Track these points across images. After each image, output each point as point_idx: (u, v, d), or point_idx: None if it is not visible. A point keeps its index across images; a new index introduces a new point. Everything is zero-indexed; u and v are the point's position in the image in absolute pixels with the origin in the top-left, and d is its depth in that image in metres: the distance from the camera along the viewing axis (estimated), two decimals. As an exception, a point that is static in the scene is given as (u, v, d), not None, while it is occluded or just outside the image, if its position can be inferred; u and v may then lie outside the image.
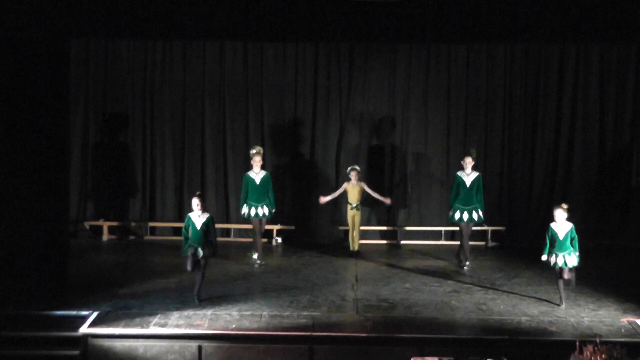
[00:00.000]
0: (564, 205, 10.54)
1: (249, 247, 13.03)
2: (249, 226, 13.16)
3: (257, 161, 12.57)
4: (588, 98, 14.55)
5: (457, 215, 12.33)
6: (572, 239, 10.40)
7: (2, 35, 10.00)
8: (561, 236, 10.35)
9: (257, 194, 12.47)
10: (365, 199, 13.57)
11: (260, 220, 12.56)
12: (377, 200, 13.60)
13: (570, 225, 10.44)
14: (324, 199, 13.49)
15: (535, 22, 10.57)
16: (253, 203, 12.48)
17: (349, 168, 13.44)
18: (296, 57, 14.53)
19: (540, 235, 14.49)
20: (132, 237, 14.49)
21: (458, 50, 14.48)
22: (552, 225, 10.48)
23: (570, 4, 10.40)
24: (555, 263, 10.35)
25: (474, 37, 11.58)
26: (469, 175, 12.40)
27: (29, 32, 10.06)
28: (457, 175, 12.50)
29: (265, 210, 12.51)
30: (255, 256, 12.60)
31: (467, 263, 12.37)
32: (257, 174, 12.57)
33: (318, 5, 10.43)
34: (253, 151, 12.70)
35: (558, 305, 10.40)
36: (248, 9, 10.39)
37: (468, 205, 12.29)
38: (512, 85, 14.62)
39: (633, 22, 10.43)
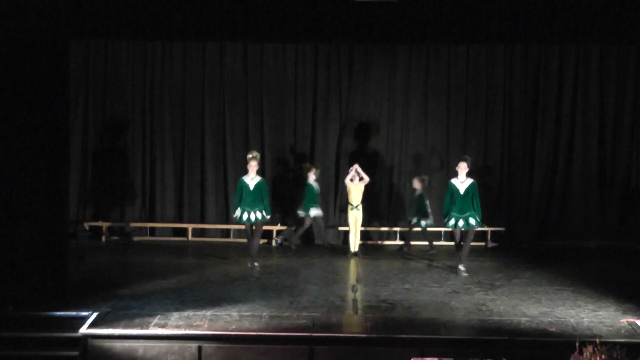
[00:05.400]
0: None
1: (248, 249, 13.01)
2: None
3: (252, 166, 12.45)
4: (588, 98, 14.56)
5: (451, 222, 12.07)
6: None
7: (1, 35, 9.98)
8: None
9: (251, 199, 12.35)
10: (365, 199, 13.57)
11: (251, 225, 12.49)
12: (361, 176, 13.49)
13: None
14: (357, 167, 13.45)
15: (535, 22, 10.56)
16: (246, 208, 12.37)
17: (350, 168, 13.42)
18: (296, 57, 14.55)
19: (540, 236, 14.62)
20: (121, 238, 14.49)
21: (458, 50, 14.49)
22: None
23: (570, 4, 10.40)
24: None
25: (474, 37, 11.56)
26: (462, 182, 12.08)
27: (29, 32, 10.04)
28: (451, 182, 12.17)
29: (259, 215, 12.40)
30: (249, 264, 12.53)
31: (462, 268, 12.22)
32: (252, 179, 12.46)
33: (318, 5, 10.42)
34: (249, 156, 12.62)
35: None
36: (248, 9, 10.38)
37: (463, 213, 11.98)
38: (512, 85, 14.63)
39: (633, 22, 10.42)
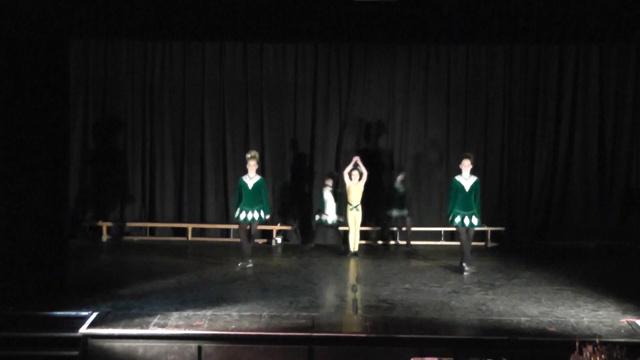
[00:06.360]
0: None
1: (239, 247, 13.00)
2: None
3: (252, 165, 12.46)
4: (588, 98, 14.57)
5: (457, 219, 12.07)
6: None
7: (2, 35, 9.98)
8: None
9: (250, 199, 12.36)
10: (365, 198, 13.56)
11: (249, 225, 12.48)
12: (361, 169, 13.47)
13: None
14: (358, 159, 13.46)
15: (535, 22, 10.56)
16: (245, 207, 12.39)
17: (352, 162, 13.42)
18: (296, 57, 14.55)
19: (540, 236, 14.62)
20: (126, 238, 14.50)
21: (458, 50, 14.49)
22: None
23: (570, 4, 10.39)
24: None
25: (474, 37, 11.56)
26: (467, 179, 12.16)
27: (29, 32, 10.04)
28: (455, 180, 12.20)
29: (256, 215, 12.40)
30: (240, 264, 12.51)
31: (467, 268, 12.25)
32: (251, 178, 12.46)
33: (318, 5, 10.42)
34: (248, 155, 12.63)
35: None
36: (248, 9, 10.38)
37: (467, 210, 12.05)
38: (512, 85, 14.63)
39: (633, 22, 10.42)
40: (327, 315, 9.83)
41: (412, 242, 14.41)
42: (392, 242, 14.47)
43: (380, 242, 14.53)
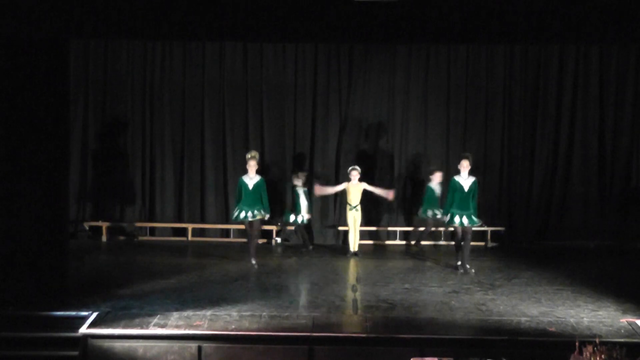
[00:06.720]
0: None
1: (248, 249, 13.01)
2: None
3: (252, 165, 12.48)
4: (588, 98, 14.57)
5: (456, 219, 12.08)
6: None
7: (2, 35, 9.98)
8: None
9: (250, 199, 12.38)
10: (365, 198, 13.56)
11: (250, 223, 12.49)
12: (380, 196, 13.56)
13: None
14: (319, 190, 13.46)
15: (535, 22, 10.56)
16: (245, 207, 12.41)
17: (349, 168, 13.43)
18: (296, 57, 14.55)
19: (540, 236, 14.63)
20: (125, 238, 14.49)
21: (458, 50, 14.49)
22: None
23: (570, 4, 10.39)
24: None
25: (474, 37, 11.55)
26: (466, 180, 12.20)
27: (29, 32, 10.04)
28: (454, 180, 12.21)
29: (257, 212, 12.43)
30: (253, 261, 12.55)
31: (468, 266, 12.26)
32: (251, 178, 12.48)
33: (318, 5, 10.41)
34: (248, 155, 12.65)
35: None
36: (248, 9, 10.38)
37: (464, 210, 12.07)
38: (512, 85, 14.63)
39: (633, 22, 10.42)
40: (327, 315, 9.84)
41: (413, 242, 14.43)
42: (404, 242, 14.47)
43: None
